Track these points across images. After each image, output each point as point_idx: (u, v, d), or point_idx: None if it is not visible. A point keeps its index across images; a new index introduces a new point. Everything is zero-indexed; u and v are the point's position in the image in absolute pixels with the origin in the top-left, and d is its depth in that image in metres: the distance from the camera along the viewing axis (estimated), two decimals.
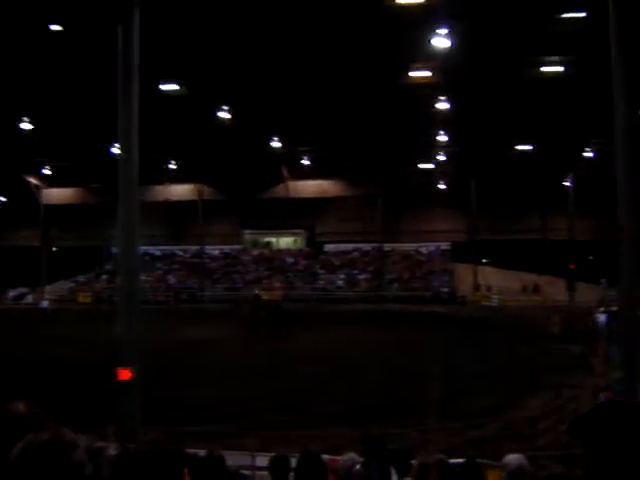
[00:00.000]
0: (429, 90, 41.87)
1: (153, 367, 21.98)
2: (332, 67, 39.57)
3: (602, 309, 37.55)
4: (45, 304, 51.15)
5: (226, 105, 44.39)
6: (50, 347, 35.30)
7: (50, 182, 67.12)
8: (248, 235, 71.77)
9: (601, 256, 57.68)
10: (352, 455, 6.86)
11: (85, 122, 50.30)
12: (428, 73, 39.97)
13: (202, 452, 6.18)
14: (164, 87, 41.11)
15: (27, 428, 2.11)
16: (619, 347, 16.75)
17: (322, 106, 44.61)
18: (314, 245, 70.86)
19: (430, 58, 37.59)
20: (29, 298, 67.27)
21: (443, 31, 33.19)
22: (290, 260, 68.42)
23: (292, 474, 5.98)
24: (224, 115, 45.24)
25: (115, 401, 16.03)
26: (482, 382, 25.75)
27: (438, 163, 58.85)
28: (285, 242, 72.45)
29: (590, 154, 53.14)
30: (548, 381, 26.55)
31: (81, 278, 70.23)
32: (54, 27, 32.89)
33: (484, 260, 64.74)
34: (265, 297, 46.37)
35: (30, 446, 1.49)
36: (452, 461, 9.03)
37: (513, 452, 6.55)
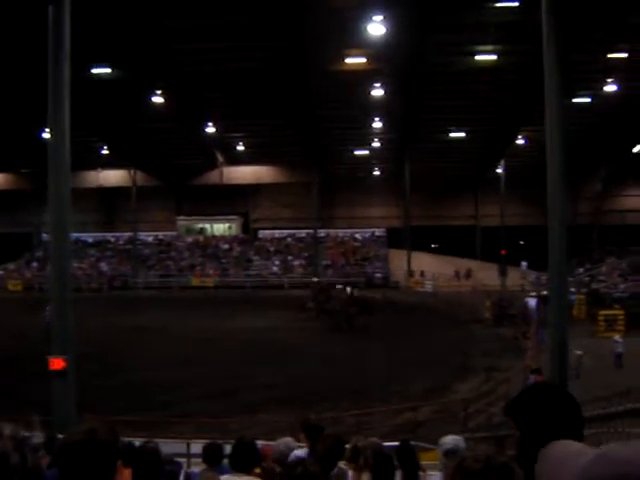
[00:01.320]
0: (365, 77, 42.07)
1: (86, 355, 21.72)
2: (267, 53, 39.44)
3: (532, 293, 38.45)
4: None
5: (160, 89, 43.85)
6: None
7: None
8: (182, 221, 71.10)
9: (531, 241, 59.00)
10: (287, 440, 6.88)
11: (14, 105, 49.04)
12: (363, 60, 40.17)
13: (137, 441, 6.14)
14: (96, 70, 40.41)
15: None
16: (549, 331, 17.13)
17: (257, 92, 44.40)
18: (249, 231, 70.65)
19: (366, 45, 37.79)
20: None
21: (378, 17, 33.40)
22: (224, 246, 68.02)
23: (226, 461, 6.00)
24: (158, 99, 44.70)
25: (47, 391, 15.78)
26: (415, 367, 26.08)
27: (373, 149, 59.18)
28: (219, 228, 71.99)
29: (521, 141, 54.07)
30: (480, 365, 27.06)
31: (11, 266, 68.59)
32: None
33: (418, 246, 65.39)
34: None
35: None
36: (386, 444, 9.15)
37: (445, 434, 6.67)
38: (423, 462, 8.33)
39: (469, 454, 2.24)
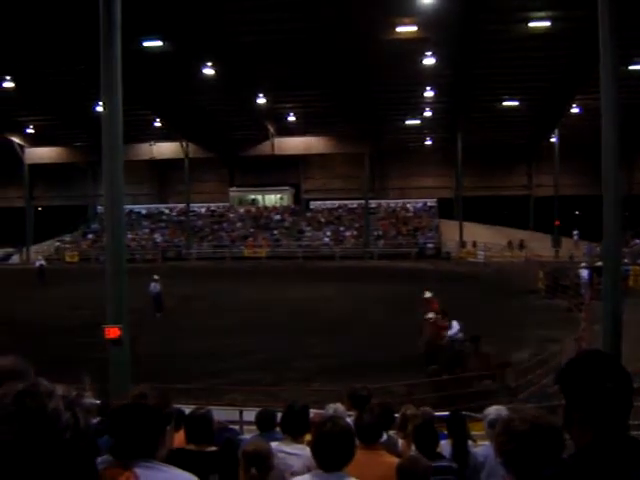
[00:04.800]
0: (415, 45, 41.64)
1: (139, 324, 22.09)
2: (316, 23, 39.23)
3: (584, 264, 37.92)
4: (42, 263, 50.81)
5: (210, 61, 43.99)
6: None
7: (34, 141, 66.43)
8: (234, 193, 71.61)
9: (585, 212, 58.10)
10: (337, 405, 6.97)
11: (68, 80, 49.79)
12: (414, 28, 39.72)
13: (189, 408, 6.27)
14: (148, 43, 40.68)
15: (7, 380, 2.17)
16: (603, 302, 16.90)
17: (307, 62, 44.27)
18: (300, 202, 70.85)
19: (416, 13, 37.35)
20: (15, 258, 67.00)
21: None
22: (276, 217, 68.38)
23: (278, 428, 6.10)
24: (209, 71, 44.85)
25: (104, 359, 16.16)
26: (469, 337, 25.97)
27: (425, 119, 58.67)
28: (271, 199, 72.36)
29: (576, 110, 53.07)
30: (533, 336, 26.85)
31: (67, 237, 69.93)
32: None
33: (470, 217, 64.85)
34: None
35: (5, 396, 1.51)
36: (438, 414, 9.19)
37: (498, 405, 6.68)
38: (474, 432, 8.36)
39: (516, 415, 2.25)
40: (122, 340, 15.61)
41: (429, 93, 51.11)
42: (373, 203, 66.28)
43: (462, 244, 60.64)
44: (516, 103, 53.31)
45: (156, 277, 33.62)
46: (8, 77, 46.76)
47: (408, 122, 59.51)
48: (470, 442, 7.16)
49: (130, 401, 2.53)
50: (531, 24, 39.08)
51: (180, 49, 42.17)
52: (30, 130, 63.33)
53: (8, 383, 1.56)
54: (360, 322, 29.73)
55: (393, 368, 21.24)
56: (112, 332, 15.59)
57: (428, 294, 24.90)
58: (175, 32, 40.21)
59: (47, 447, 1.44)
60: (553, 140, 59.12)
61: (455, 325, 20.43)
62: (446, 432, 7.15)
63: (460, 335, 20.01)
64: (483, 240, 59.18)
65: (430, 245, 61.63)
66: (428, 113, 56.72)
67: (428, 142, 64.93)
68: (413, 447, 6.24)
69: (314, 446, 3.96)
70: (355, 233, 64.43)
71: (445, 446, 6.64)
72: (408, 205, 67.94)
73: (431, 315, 21.67)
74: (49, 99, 54.50)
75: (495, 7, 37.45)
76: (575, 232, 59.71)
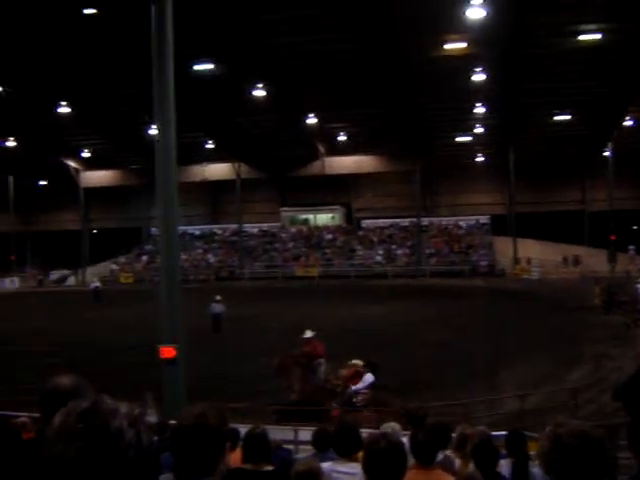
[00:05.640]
0: (465, 62, 41.51)
1: (192, 344, 22.24)
2: (365, 43, 39.37)
3: None
4: (96, 285, 51.65)
5: (261, 83, 44.40)
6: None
7: (89, 164, 67.75)
8: (286, 212, 71.98)
9: None
10: (392, 425, 6.92)
11: (122, 105, 50.80)
12: (463, 44, 39.60)
13: (244, 427, 6.30)
14: (198, 67, 41.27)
15: (70, 398, 2.21)
16: None
17: (356, 81, 44.41)
18: (351, 221, 70.88)
19: (465, 29, 37.25)
20: (70, 280, 68.19)
21: (478, 1, 32.84)
22: (328, 236, 68.50)
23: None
24: (259, 93, 45.25)
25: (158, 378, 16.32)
26: (523, 354, 25.65)
27: (475, 135, 58.34)
28: (323, 219, 72.52)
29: (630, 122, 52.28)
30: (589, 352, 26.37)
31: (122, 259, 71.01)
32: (88, 11, 33.18)
33: (523, 233, 64.16)
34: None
35: (70, 414, 1.52)
36: (494, 433, 9.07)
37: None
38: (531, 452, 8.24)
39: (562, 429, 2.21)
40: (177, 360, 15.77)
41: (480, 109, 50.81)
42: (425, 221, 66.01)
43: (516, 261, 59.99)
44: (568, 117, 52.75)
45: (218, 298, 33.53)
46: (64, 102, 47.80)
47: (459, 139, 59.24)
48: (530, 462, 7.05)
49: (191, 421, 2.57)
50: (582, 37, 38.70)
51: (231, 71, 42.72)
52: (85, 154, 64.60)
53: (72, 401, 1.59)
54: (412, 341, 29.53)
55: (447, 387, 21.04)
56: (167, 352, 15.77)
57: (309, 333, 20.57)
58: (225, 55, 40.72)
59: (111, 465, 1.46)
60: (607, 154, 58.26)
61: (368, 378, 17.15)
62: (504, 451, 7.06)
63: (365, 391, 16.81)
64: (537, 256, 58.46)
65: (483, 262, 61.11)
66: (479, 129, 56.38)
67: (479, 158, 64.45)
68: (471, 466, 6.17)
69: (366, 463, 3.94)
70: (407, 251, 64.19)
71: (504, 466, 6.55)
72: (460, 222, 67.45)
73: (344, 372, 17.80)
74: (103, 123, 55.59)
75: (545, 21, 37.16)
76: (631, 247, 58.64)
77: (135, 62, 36.46)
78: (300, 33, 38.55)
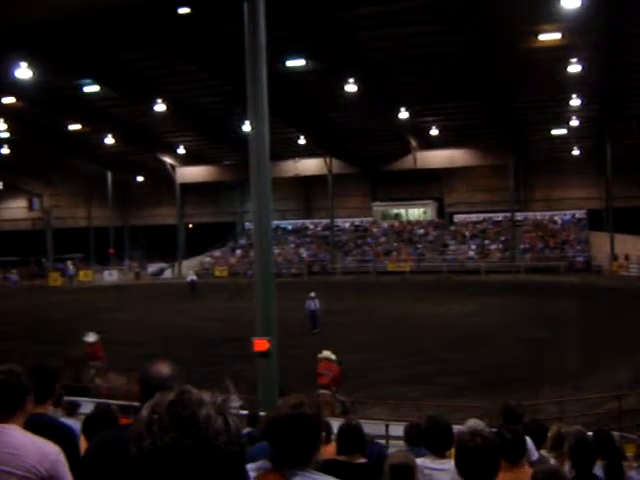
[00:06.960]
0: (560, 53, 40.54)
1: (283, 337, 22.45)
2: (458, 35, 38.92)
3: None
4: (193, 278, 52.79)
5: (353, 78, 44.39)
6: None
7: (184, 161, 69.13)
8: (377, 207, 71.88)
9: None
10: (477, 422, 6.86)
11: (217, 102, 51.69)
12: (558, 35, 38.69)
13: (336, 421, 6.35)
14: (291, 63, 41.59)
15: (158, 387, 2.28)
16: None
17: (448, 75, 43.93)
18: (443, 216, 70.24)
19: (560, 20, 36.39)
20: (167, 273, 69.84)
21: None
22: (420, 231, 68.08)
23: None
24: (351, 88, 45.24)
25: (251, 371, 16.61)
26: (620, 354, 24.98)
27: (571, 128, 56.88)
28: (414, 213, 72.10)
29: None
30: None
31: (216, 253, 72.29)
32: (182, 10, 33.85)
33: (621, 228, 62.28)
34: None
35: (158, 406, 1.57)
36: (589, 433, 8.90)
37: None
38: (628, 454, 8.05)
39: None
40: (271, 352, 15.98)
41: (575, 101, 49.39)
42: (519, 215, 64.85)
43: (614, 257, 58.29)
44: None
45: (312, 294, 33.29)
46: (159, 100, 48.90)
47: (554, 132, 57.85)
48: (625, 463, 6.89)
49: (289, 410, 2.63)
50: None
51: (322, 67, 42.86)
52: (181, 150, 65.88)
53: (159, 393, 1.64)
54: (505, 338, 29.12)
55: (540, 385, 20.68)
56: (261, 344, 16.00)
57: (92, 337, 19.15)
58: (317, 51, 40.91)
59: (202, 453, 1.51)
60: None
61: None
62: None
63: None
64: (636, 253, 56.65)
65: (580, 258, 59.62)
66: (575, 122, 54.90)
67: (575, 151, 62.71)
68: (567, 467, 6.05)
69: (460, 461, 3.89)
70: (501, 246, 63.22)
71: (596, 468, 6.41)
72: (555, 217, 65.94)
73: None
74: (198, 120, 56.61)
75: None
76: None
77: (229, 59, 37.00)
78: (393, 26, 38.34)
